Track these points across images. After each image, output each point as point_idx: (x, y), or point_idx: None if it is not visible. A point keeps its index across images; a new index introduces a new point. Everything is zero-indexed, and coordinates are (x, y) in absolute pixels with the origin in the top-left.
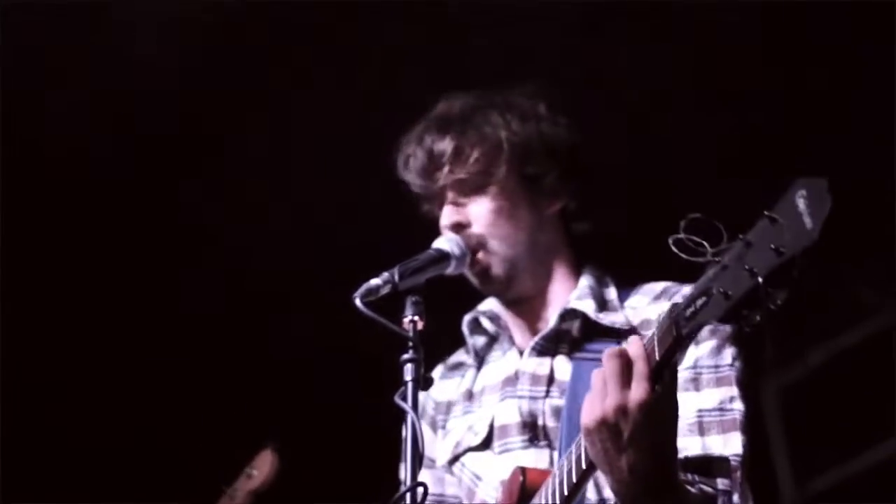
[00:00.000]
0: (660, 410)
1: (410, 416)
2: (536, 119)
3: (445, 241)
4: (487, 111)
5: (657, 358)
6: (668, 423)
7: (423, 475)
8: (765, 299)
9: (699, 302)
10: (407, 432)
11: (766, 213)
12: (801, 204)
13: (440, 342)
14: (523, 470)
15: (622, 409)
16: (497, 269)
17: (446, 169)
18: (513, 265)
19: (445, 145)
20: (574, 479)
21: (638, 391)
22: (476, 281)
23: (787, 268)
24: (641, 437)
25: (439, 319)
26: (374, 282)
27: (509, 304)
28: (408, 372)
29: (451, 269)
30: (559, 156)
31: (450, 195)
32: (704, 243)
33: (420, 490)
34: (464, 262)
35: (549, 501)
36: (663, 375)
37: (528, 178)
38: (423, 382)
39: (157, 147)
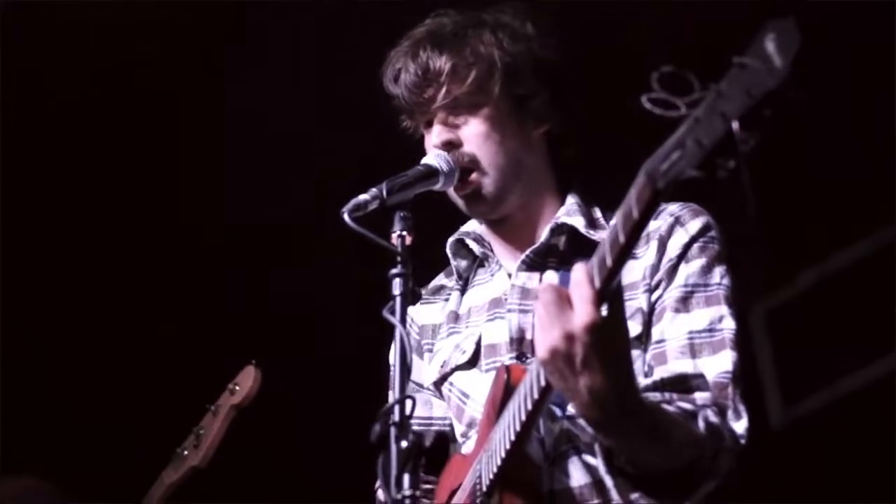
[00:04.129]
0: (608, 330)
1: (399, 329)
2: (527, 39)
3: (434, 157)
4: (480, 29)
5: (623, 241)
6: (619, 341)
7: None
8: (738, 143)
9: (675, 155)
10: (395, 346)
11: (736, 59)
12: (770, 46)
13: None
14: (508, 368)
15: (569, 335)
16: (488, 188)
17: (442, 87)
18: (503, 185)
19: (442, 63)
20: (543, 382)
21: (582, 314)
22: (463, 202)
23: (759, 108)
24: (594, 358)
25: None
26: (363, 197)
27: (494, 225)
28: (396, 286)
29: (439, 185)
30: (548, 78)
31: (441, 114)
32: (678, 101)
33: (409, 403)
34: (452, 178)
35: (523, 404)
36: (610, 296)
37: (517, 99)
38: (412, 296)
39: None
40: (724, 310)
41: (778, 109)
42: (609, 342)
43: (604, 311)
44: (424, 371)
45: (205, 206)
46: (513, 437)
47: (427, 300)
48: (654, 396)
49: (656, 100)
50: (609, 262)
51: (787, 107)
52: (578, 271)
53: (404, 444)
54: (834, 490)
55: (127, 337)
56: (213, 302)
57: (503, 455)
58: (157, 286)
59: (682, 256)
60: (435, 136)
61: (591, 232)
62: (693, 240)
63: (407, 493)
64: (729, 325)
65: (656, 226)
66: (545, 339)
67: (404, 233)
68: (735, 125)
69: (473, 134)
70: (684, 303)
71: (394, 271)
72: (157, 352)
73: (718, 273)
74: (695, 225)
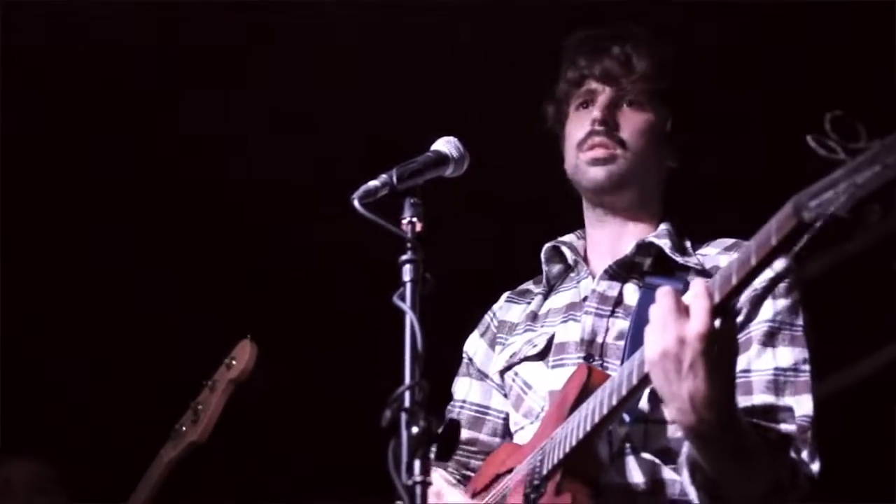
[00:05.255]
0: (720, 343)
1: (409, 316)
2: (691, 83)
3: (444, 143)
4: (670, 55)
5: (753, 264)
6: (727, 356)
7: (474, 387)
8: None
9: (827, 195)
10: (406, 332)
11: None
12: None
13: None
14: (590, 369)
15: (682, 340)
16: (620, 163)
17: (635, 80)
18: (632, 176)
19: (644, 60)
20: (634, 381)
21: (698, 323)
22: (588, 160)
23: None
24: (701, 366)
25: None
26: (373, 183)
27: (595, 222)
28: (406, 273)
29: (449, 172)
30: (693, 125)
31: (612, 98)
32: (838, 148)
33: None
34: (462, 165)
35: (606, 401)
36: (726, 313)
37: (671, 128)
38: (422, 283)
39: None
40: (806, 353)
41: None
42: (717, 354)
43: (717, 324)
44: (492, 361)
45: (202, 193)
46: (587, 430)
47: (513, 300)
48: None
49: (819, 140)
50: (734, 280)
51: None
52: (698, 285)
53: (415, 429)
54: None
55: (122, 315)
56: (208, 278)
57: (573, 443)
58: (153, 264)
59: (769, 290)
60: (597, 111)
61: (677, 255)
62: (780, 277)
63: (418, 478)
64: (809, 368)
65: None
66: (658, 341)
67: (414, 219)
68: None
69: (632, 125)
70: (771, 338)
71: (404, 258)
72: (152, 329)
73: (802, 316)
74: (780, 264)
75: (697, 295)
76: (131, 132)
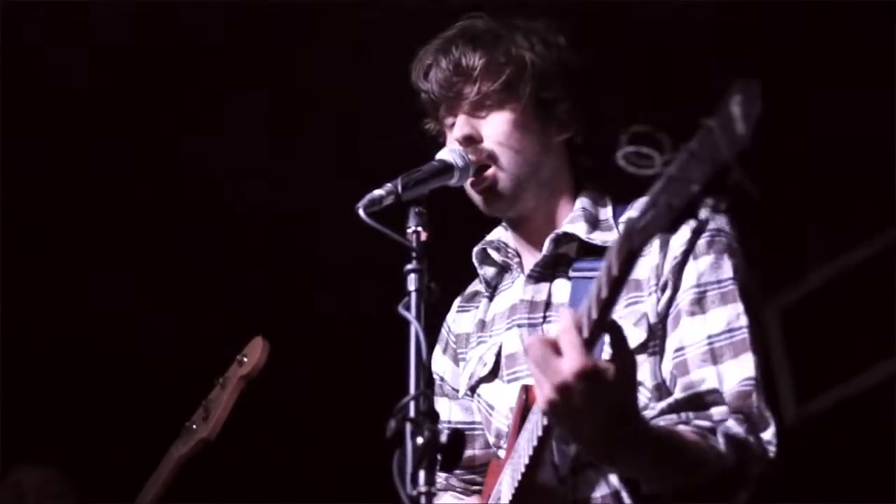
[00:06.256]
0: (602, 373)
1: (414, 325)
2: (557, 47)
3: (448, 153)
4: (513, 32)
5: (605, 296)
6: (617, 381)
7: (451, 406)
8: (708, 207)
9: (649, 214)
10: (411, 342)
11: (703, 121)
12: (736, 110)
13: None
14: (526, 388)
15: (563, 386)
16: (503, 184)
17: (474, 83)
18: (519, 183)
19: (475, 59)
20: (545, 422)
21: (572, 363)
22: (479, 198)
23: (723, 174)
24: (591, 403)
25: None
26: (377, 192)
27: (514, 226)
28: (412, 282)
29: (454, 181)
30: (574, 87)
31: (467, 108)
32: (654, 154)
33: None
34: (467, 173)
35: (534, 432)
36: (602, 339)
37: (543, 104)
38: (427, 292)
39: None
40: (739, 307)
41: (742, 174)
42: (605, 384)
43: (604, 352)
44: (461, 379)
45: (205, 190)
46: (526, 463)
47: (463, 308)
48: (670, 419)
49: (630, 155)
50: (594, 314)
51: (748, 174)
52: (565, 318)
53: (420, 440)
54: (834, 488)
55: (132, 313)
56: (219, 279)
57: (519, 479)
58: (163, 265)
59: (689, 252)
60: (457, 130)
61: (593, 236)
62: (696, 234)
63: (422, 489)
64: (746, 321)
65: None
66: (541, 392)
67: (419, 228)
68: (699, 191)
69: (495, 132)
70: (699, 304)
71: (409, 267)
72: (163, 329)
73: (729, 267)
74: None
75: (564, 331)
76: (131, 133)
